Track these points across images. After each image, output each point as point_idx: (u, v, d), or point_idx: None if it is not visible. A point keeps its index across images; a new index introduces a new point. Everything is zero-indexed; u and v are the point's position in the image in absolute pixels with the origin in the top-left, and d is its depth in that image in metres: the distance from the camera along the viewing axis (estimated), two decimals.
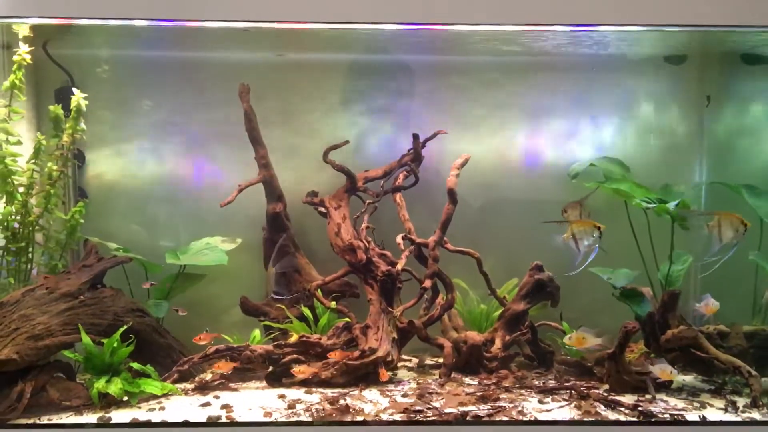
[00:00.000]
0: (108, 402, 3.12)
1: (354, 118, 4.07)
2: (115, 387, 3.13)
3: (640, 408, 3.05)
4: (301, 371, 3.32)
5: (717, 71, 4.02)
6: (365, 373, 3.39)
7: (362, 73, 4.06)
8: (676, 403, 3.16)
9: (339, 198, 3.81)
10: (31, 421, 2.97)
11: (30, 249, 3.51)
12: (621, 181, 3.71)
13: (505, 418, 2.95)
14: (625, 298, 3.52)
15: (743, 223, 3.36)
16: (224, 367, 3.37)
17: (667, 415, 2.99)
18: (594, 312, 3.88)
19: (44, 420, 2.98)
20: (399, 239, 3.63)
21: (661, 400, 3.18)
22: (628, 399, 3.16)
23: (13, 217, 3.44)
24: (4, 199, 3.43)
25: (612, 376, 3.33)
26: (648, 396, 3.21)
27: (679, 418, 2.97)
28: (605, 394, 3.25)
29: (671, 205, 3.40)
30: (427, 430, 2.84)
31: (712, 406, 3.12)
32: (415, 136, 3.78)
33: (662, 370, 3.21)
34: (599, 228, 3.39)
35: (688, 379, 3.55)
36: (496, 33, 3.52)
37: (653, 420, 2.95)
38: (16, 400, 3.03)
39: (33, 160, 3.46)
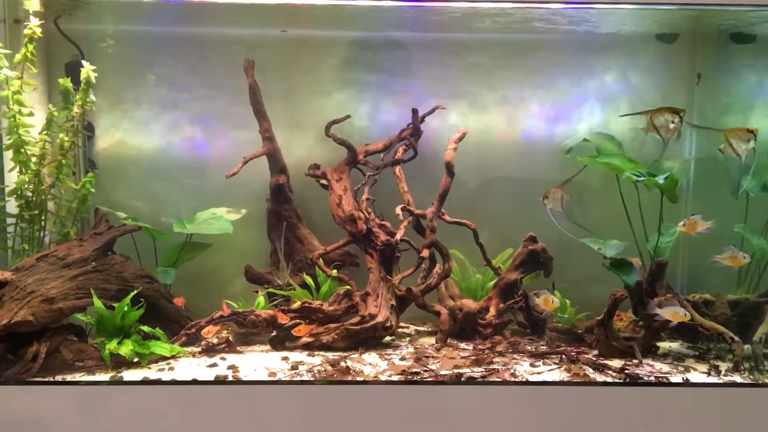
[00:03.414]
0: (119, 363, 3.26)
1: (355, 93, 4.17)
2: (126, 348, 3.28)
3: (626, 371, 3.20)
4: (299, 330, 3.49)
5: (708, 50, 4.12)
6: (365, 338, 3.54)
7: (364, 49, 4.15)
8: (661, 367, 3.30)
9: (340, 171, 3.94)
10: (46, 380, 3.12)
11: (43, 217, 3.63)
12: (613, 156, 3.84)
13: (498, 380, 3.11)
14: (614, 267, 3.64)
15: (750, 131, 3.43)
16: (212, 331, 3.49)
17: (652, 378, 3.15)
18: (585, 281, 4.02)
19: (59, 379, 3.14)
20: (398, 210, 3.76)
21: (647, 365, 3.33)
22: (616, 363, 3.31)
23: (27, 186, 3.55)
24: (17, 169, 3.55)
25: (601, 341, 3.47)
26: (635, 360, 3.37)
27: (664, 380, 3.12)
28: (594, 358, 3.40)
29: (660, 179, 3.52)
30: (423, 389, 2.98)
31: (696, 370, 3.26)
32: (414, 111, 3.90)
33: (674, 312, 3.30)
34: (679, 113, 3.46)
35: (675, 345, 3.70)
36: (491, 10, 3.61)
37: (639, 381, 3.11)
38: (31, 360, 3.16)
39: (45, 131, 3.57)
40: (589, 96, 4.18)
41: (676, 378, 3.14)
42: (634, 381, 3.11)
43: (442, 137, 4.02)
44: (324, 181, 3.95)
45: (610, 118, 4.15)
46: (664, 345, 3.68)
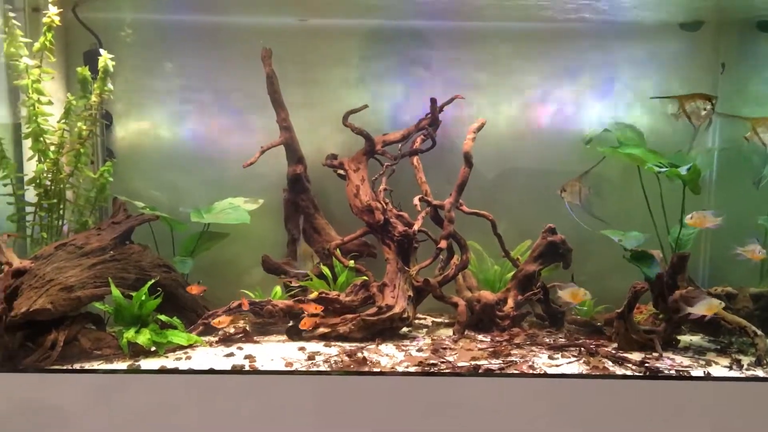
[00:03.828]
0: (136, 351, 3.27)
1: (374, 82, 4.14)
2: (143, 337, 3.29)
3: (646, 364, 3.16)
4: (305, 323, 3.49)
5: (732, 38, 4.04)
6: (382, 329, 3.53)
7: (383, 38, 4.12)
8: (682, 360, 3.26)
9: (358, 161, 3.91)
10: (64, 368, 3.14)
11: (61, 206, 3.65)
12: (634, 147, 3.78)
13: (516, 372, 3.08)
14: (635, 259, 3.60)
15: None
16: (224, 321, 3.50)
17: (673, 372, 3.10)
18: (604, 273, 3.97)
19: (77, 367, 3.15)
20: (416, 201, 3.73)
21: (668, 358, 3.29)
22: (635, 357, 3.27)
23: (45, 174, 3.57)
24: (36, 158, 3.56)
25: (620, 334, 3.43)
26: (655, 354, 3.33)
27: (684, 374, 3.08)
28: (613, 351, 3.36)
29: (682, 170, 3.47)
30: (440, 381, 2.96)
31: (717, 364, 3.21)
32: (433, 101, 3.86)
33: (708, 305, 3.22)
34: (711, 100, 3.40)
35: (695, 339, 3.65)
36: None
37: (659, 375, 3.07)
38: (50, 348, 3.18)
39: (63, 120, 3.58)
40: (611, 86, 4.12)
41: (697, 372, 3.09)
42: (654, 374, 3.07)
43: (461, 127, 3.97)
44: (341, 171, 3.93)
45: (632, 108, 4.08)
46: (685, 338, 3.63)
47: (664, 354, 3.32)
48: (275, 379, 2.95)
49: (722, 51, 4.05)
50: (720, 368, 3.16)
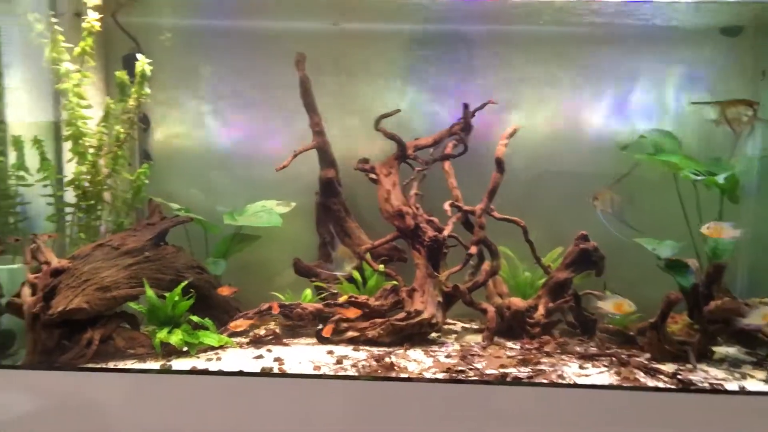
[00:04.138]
0: (169, 351, 3.33)
1: (407, 87, 4.14)
2: (176, 338, 3.35)
3: (679, 376, 3.10)
4: (328, 329, 3.53)
5: None
6: (410, 334, 3.53)
7: (417, 43, 4.12)
8: (716, 373, 3.19)
9: (389, 165, 3.92)
10: (98, 367, 3.21)
11: (99, 207, 3.73)
12: (671, 154, 3.71)
13: (545, 381, 3.05)
14: (669, 268, 3.53)
15: None
16: (243, 324, 3.52)
17: (706, 384, 3.04)
18: (638, 282, 3.89)
19: (110, 365, 3.22)
20: (446, 206, 3.71)
21: (702, 370, 3.22)
22: (668, 368, 3.21)
23: (84, 176, 3.65)
24: (75, 160, 3.65)
25: (653, 345, 3.37)
26: (689, 365, 3.26)
27: (719, 387, 3.01)
28: (646, 362, 3.31)
29: (720, 178, 3.39)
30: (467, 388, 2.95)
31: (753, 377, 3.13)
32: (465, 106, 3.85)
33: (764, 314, 3.15)
34: (753, 106, 3.33)
35: (731, 351, 3.57)
36: (547, 4, 3.54)
37: (692, 388, 3.01)
38: (85, 346, 3.26)
39: (102, 123, 3.66)
40: (648, 91, 4.05)
41: (732, 385, 3.02)
42: (687, 387, 3.01)
43: (495, 132, 3.95)
44: (373, 176, 3.94)
45: (670, 115, 4.01)
46: (721, 350, 3.55)
47: (698, 366, 3.26)
48: (303, 382, 2.98)
49: (763, 56, 3.95)
50: (756, 382, 3.08)
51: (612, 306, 3.44)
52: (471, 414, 2.84)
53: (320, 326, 3.58)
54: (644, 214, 3.80)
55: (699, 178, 3.45)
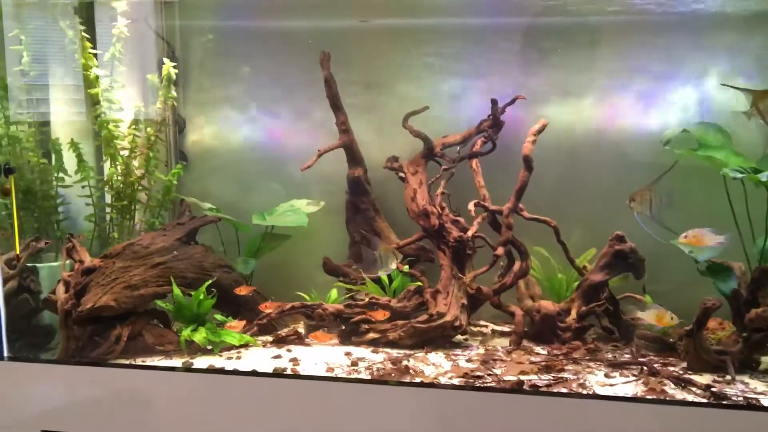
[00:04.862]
0: (194, 349, 3.41)
1: (437, 83, 4.04)
2: (199, 336, 3.41)
3: (713, 389, 2.89)
4: (316, 336, 3.55)
5: None
6: (433, 337, 3.45)
7: (446, 37, 4.01)
8: (756, 385, 2.96)
9: (416, 163, 3.84)
10: (128, 362, 3.32)
11: (132, 207, 3.85)
12: (716, 149, 3.45)
13: (564, 390, 2.91)
14: (710, 273, 3.30)
15: None
16: (237, 326, 3.52)
17: (740, 399, 2.82)
18: (684, 286, 3.65)
19: (138, 361, 3.32)
20: (471, 206, 3.60)
21: (741, 382, 3.00)
22: (703, 379, 3.00)
23: (118, 177, 3.78)
24: (109, 162, 3.78)
25: (690, 354, 3.16)
26: (727, 377, 3.04)
27: (754, 402, 2.79)
28: (679, 372, 3.10)
29: (763, 176, 3.12)
30: (476, 396, 2.85)
31: None
32: (494, 102, 3.72)
33: None
34: None
35: None
36: None
37: (723, 403, 2.79)
38: (114, 342, 3.38)
39: (133, 126, 3.77)
40: (692, 82, 3.78)
41: None
42: (718, 401, 2.80)
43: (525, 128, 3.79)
44: (402, 174, 3.88)
45: (717, 106, 3.73)
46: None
47: (738, 377, 3.03)
48: (311, 384, 2.96)
49: None
50: None
51: (653, 317, 3.25)
52: (480, 422, 2.74)
53: (342, 327, 3.56)
54: (691, 214, 3.56)
55: (739, 175, 3.19)
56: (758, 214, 3.39)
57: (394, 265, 3.54)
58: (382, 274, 3.71)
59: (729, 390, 2.90)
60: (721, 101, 3.73)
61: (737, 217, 3.42)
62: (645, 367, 3.14)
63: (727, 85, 3.54)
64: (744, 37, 3.69)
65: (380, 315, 3.50)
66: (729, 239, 3.20)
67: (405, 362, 3.21)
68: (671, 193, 3.40)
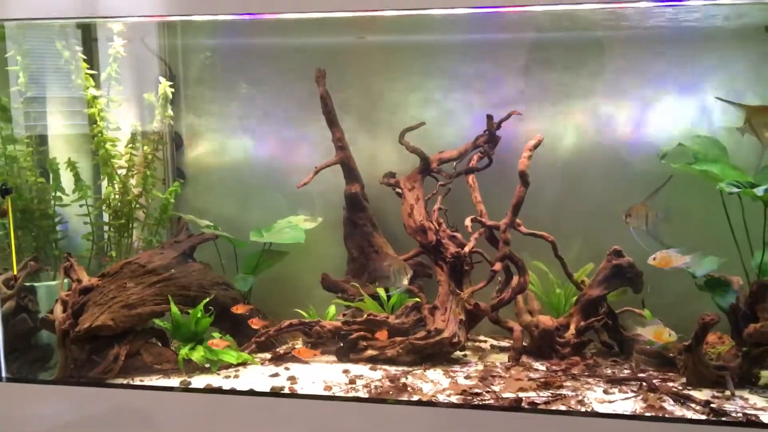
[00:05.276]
0: (192, 367, 3.40)
1: (433, 99, 4.04)
2: (197, 354, 3.41)
3: (712, 405, 2.88)
4: (299, 351, 3.53)
5: None
6: (431, 353, 3.45)
7: (442, 54, 4.02)
8: (756, 401, 2.95)
9: (413, 179, 3.84)
10: (126, 382, 3.32)
11: (130, 225, 3.86)
12: (711, 163, 3.44)
13: (562, 407, 2.90)
14: (707, 287, 3.29)
15: None
16: (219, 344, 3.50)
17: (740, 415, 2.80)
18: (683, 300, 3.64)
19: (137, 381, 3.32)
20: (467, 222, 3.60)
21: (740, 398, 2.98)
22: (703, 395, 2.99)
23: (115, 196, 3.78)
24: (106, 180, 3.79)
25: (689, 368, 3.15)
26: (726, 392, 3.02)
27: (753, 418, 2.77)
28: (678, 387, 3.09)
29: (759, 190, 3.12)
30: (471, 414, 2.85)
31: None
32: (489, 117, 3.73)
33: None
34: None
35: None
36: (577, 10, 3.37)
37: (721, 419, 2.78)
38: (112, 361, 3.38)
39: (130, 145, 3.79)
40: (689, 95, 3.78)
41: None
42: (718, 418, 2.79)
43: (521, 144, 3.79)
44: (399, 190, 3.88)
45: (712, 119, 3.73)
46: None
47: (737, 393, 3.01)
48: (307, 403, 2.96)
49: None
50: None
51: (652, 333, 3.24)
52: None
53: (340, 344, 3.56)
54: (688, 229, 3.56)
55: (735, 190, 3.18)
56: (756, 228, 3.39)
57: (406, 281, 3.52)
58: (399, 291, 3.68)
59: (728, 406, 2.89)
60: (717, 115, 3.72)
61: (735, 231, 3.42)
62: (644, 383, 3.13)
63: (721, 99, 3.55)
64: (738, 51, 3.70)
65: (384, 335, 3.50)
66: (695, 259, 3.27)
67: (403, 379, 3.21)
68: (667, 208, 3.40)
